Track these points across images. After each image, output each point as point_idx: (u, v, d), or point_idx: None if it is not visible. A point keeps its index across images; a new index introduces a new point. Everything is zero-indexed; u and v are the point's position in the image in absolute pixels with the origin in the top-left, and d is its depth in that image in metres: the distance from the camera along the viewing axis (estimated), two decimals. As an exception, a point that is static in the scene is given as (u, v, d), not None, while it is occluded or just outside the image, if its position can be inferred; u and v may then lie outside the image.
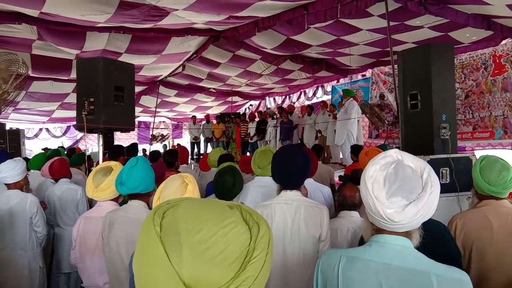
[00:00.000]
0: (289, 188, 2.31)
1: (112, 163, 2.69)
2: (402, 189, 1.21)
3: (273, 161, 2.41)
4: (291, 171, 2.29)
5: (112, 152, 4.51)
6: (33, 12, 6.07)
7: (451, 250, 1.87)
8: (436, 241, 1.87)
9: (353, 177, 3.79)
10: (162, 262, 0.66)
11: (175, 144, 16.03)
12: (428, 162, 3.23)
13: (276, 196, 2.36)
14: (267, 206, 2.31)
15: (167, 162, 4.36)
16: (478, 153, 5.82)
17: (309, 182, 3.01)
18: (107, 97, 4.22)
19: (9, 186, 3.48)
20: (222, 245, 0.68)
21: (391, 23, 5.83)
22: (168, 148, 12.31)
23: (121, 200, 2.76)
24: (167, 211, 0.74)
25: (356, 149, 5.81)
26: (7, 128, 10.58)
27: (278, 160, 2.37)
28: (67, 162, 4.42)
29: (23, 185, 3.52)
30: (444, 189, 3.24)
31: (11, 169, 3.39)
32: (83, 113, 4.13)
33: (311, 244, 2.22)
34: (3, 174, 3.38)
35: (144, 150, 13.17)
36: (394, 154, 1.30)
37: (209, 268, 0.66)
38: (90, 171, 4.38)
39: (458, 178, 3.28)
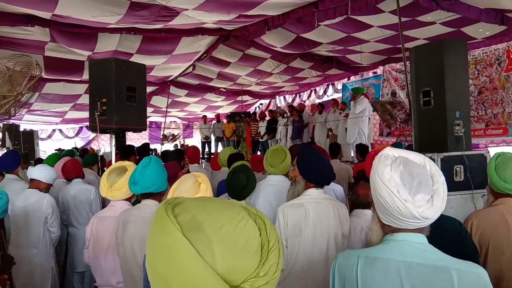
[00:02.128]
0: (320, 187, 2.38)
1: (126, 163, 2.72)
2: (421, 185, 1.23)
3: (309, 161, 2.43)
4: (329, 170, 2.39)
5: (123, 152, 4.55)
6: (45, 15, 6.15)
7: (468, 247, 1.85)
8: (452, 238, 1.85)
9: (359, 178, 3.71)
10: (195, 260, 0.67)
11: (184, 144, 16.09)
12: (442, 159, 3.23)
13: (303, 195, 2.38)
14: (299, 206, 2.32)
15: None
16: (492, 150, 5.73)
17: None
18: (119, 98, 4.26)
19: (31, 184, 3.63)
20: (244, 238, 0.72)
21: (403, 19, 5.76)
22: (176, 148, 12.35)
23: (134, 199, 2.78)
24: (175, 210, 0.75)
25: (361, 149, 5.75)
26: (21, 129, 10.75)
27: (316, 160, 2.41)
28: (79, 163, 4.47)
29: (42, 189, 3.63)
30: (459, 187, 3.22)
31: (43, 168, 3.66)
32: (96, 113, 4.17)
33: (340, 240, 2.30)
34: (33, 168, 3.64)
35: (155, 150, 13.24)
36: (390, 152, 1.32)
37: (239, 259, 0.71)
38: (103, 171, 4.43)
39: (473, 176, 3.24)
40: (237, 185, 2.87)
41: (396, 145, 5.91)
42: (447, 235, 1.89)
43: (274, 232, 0.78)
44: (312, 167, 2.38)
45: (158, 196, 2.40)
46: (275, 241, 0.77)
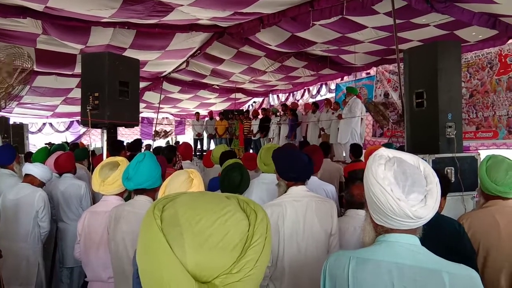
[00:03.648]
0: (300, 183, 2.35)
1: (119, 158, 2.70)
2: (415, 185, 1.23)
3: (280, 159, 2.44)
4: (300, 164, 2.35)
5: (113, 147, 4.50)
6: (38, 7, 6.07)
7: (467, 248, 1.87)
8: (452, 238, 1.87)
9: (352, 178, 3.70)
10: (166, 255, 0.68)
11: (177, 140, 16.01)
12: (433, 161, 3.25)
13: (284, 194, 2.36)
14: (278, 204, 2.31)
15: (165, 158, 4.34)
16: (483, 153, 5.80)
17: (313, 180, 3.00)
18: (112, 92, 4.21)
19: (25, 179, 3.63)
20: (222, 232, 0.70)
21: (397, 21, 5.79)
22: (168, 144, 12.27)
23: (126, 195, 2.76)
24: (166, 205, 0.76)
25: (355, 149, 5.77)
26: (11, 122, 10.60)
27: (285, 158, 2.40)
28: (73, 157, 4.42)
29: (35, 185, 3.61)
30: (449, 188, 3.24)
31: (40, 166, 3.69)
32: (88, 108, 4.12)
33: (323, 238, 2.26)
34: (30, 165, 3.65)
35: (149, 146, 13.15)
36: (385, 152, 1.33)
37: (212, 255, 0.69)
38: (93, 166, 4.39)
39: (463, 178, 3.27)
40: (230, 182, 2.86)
41: (387, 145, 5.94)
42: (447, 236, 1.91)
43: (261, 227, 0.75)
44: (281, 165, 2.40)
45: (151, 192, 2.39)
46: (260, 236, 0.73)
